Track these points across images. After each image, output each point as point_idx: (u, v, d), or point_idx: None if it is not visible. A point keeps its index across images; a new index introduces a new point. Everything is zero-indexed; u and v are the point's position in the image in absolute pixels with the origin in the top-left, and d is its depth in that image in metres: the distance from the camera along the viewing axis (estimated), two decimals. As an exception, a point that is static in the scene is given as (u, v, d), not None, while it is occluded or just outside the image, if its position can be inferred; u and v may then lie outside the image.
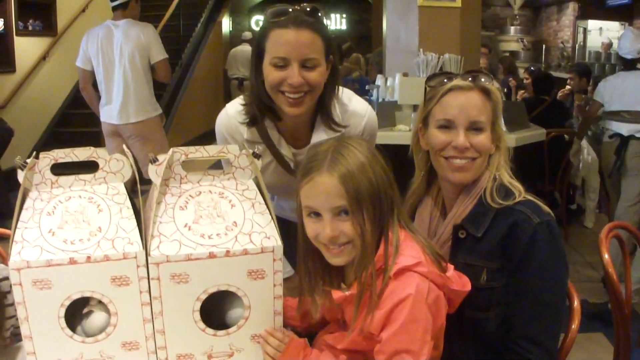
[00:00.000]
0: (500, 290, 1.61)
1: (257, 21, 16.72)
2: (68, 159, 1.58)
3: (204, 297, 1.51)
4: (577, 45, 13.60)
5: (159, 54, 5.01)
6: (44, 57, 8.88)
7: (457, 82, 1.67)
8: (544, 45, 14.08)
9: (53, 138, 8.76)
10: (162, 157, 1.58)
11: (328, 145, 1.55)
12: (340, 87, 1.99)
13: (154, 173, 1.58)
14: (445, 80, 1.70)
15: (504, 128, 1.77)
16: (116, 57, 4.89)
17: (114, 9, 5.00)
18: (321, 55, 1.82)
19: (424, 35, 5.26)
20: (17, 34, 8.35)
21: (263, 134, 1.96)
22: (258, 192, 1.65)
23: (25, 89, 8.42)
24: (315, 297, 1.63)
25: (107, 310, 1.51)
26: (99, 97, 5.11)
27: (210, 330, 1.55)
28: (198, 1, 11.99)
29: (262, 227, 1.56)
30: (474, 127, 1.65)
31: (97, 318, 1.53)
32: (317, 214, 1.51)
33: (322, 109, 1.95)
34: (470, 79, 1.67)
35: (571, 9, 14.32)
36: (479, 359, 1.68)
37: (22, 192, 1.54)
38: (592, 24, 14.13)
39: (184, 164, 1.64)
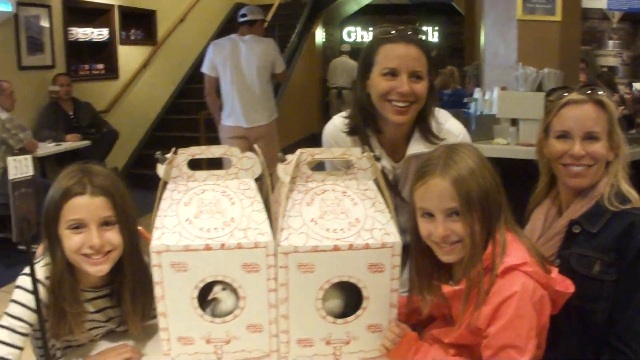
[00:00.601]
0: (610, 284, 1.68)
1: (349, 32, 16.93)
2: (204, 155, 1.74)
3: (326, 286, 1.62)
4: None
5: (281, 66, 5.72)
6: (144, 65, 9.26)
7: (572, 96, 1.79)
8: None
9: (152, 142, 9.10)
10: (290, 157, 1.71)
11: (440, 151, 1.66)
12: (437, 108, 2.14)
13: (283, 171, 1.71)
14: (563, 95, 1.81)
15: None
16: (244, 68, 5.48)
17: (241, 24, 5.64)
18: (425, 69, 1.99)
19: (522, 49, 5.20)
20: (120, 43, 8.77)
21: (365, 144, 2.08)
22: (378, 192, 1.75)
23: (127, 95, 8.81)
24: (425, 293, 1.72)
25: (235, 295, 1.64)
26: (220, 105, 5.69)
27: (330, 318, 1.66)
28: (292, 13, 12.21)
29: (383, 224, 1.66)
30: (589, 137, 1.75)
31: (226, 302, 1.66)
32: (430, 215, 1.61)
33: (421, 121, 2.08)
34: (586, 92, 1.78)
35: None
36: (581, 350, 1.74)
37: (162, 184, 1.69)
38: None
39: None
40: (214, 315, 1.66)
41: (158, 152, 1.70)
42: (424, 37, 2.06)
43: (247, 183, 1.75)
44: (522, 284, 1.51)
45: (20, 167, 1.42)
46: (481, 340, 1.56)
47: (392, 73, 1.96)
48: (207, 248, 1.57)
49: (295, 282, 1.61)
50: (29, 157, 1.45)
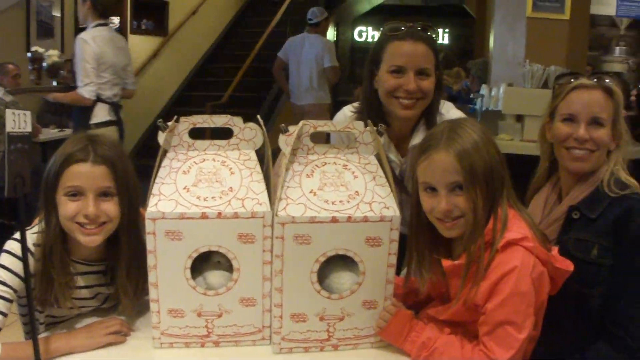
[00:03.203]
0: (607, 269, 1.69)
1: (360, 32, 16.91)
2: (206, 125, 1.71)
3: (322, 259, 1.59)
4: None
5: (329, 61, 6.71)
6: (154, 56, 9.25)
7: (582, 81, 1.80)
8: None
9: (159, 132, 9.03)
10: (292, 128, 1.68)
11: (444, 126, 1.64)
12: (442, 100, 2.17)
13: (284, 143, 1.68)
14: (572, 80, 1.82)
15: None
16: (303, 60, 6.75)
17: (310, 26, 6.91)
18: (432, 66, 2.02)
19: (530, 46, 5.23)
20: (131, 32, 8.77)
21: None
22: (379, 167, 1.73)
23: (137, 83, 8.77)
24: (423, 270, 1.69)
25: (229, 267, 1.61)
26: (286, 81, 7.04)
27: (325, 293, 1.63)
28: (306, 9, 12.19)
29: (382, 198, 1.63)
30: (595, 122, 1.77)
31: (219, 272, 1.64)
32: (433, 189, 1.59)
33: (427, 116, 2.10)
34: (595, 79, 1.79)
35: (681, 29, 13.83)
36: (577, 335, 1.73)
37: (162, 152, 1.67)
38: None
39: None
40: (207, 284, 1.64)
41: (160, 120, 1.68)
42: (433, 35, 2.06)
43: (247, 154, 1.73)
44: (521, 259, 1.49)
45: (19, 122, 1.39)
46: (478, 317, 1.54)
47: (399, 70, 2.00)
48: (204, 216, 1.55)
49: (291, 254, 1.58)
50: (28, 112, 1.42)
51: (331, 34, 13.76)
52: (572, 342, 1.72)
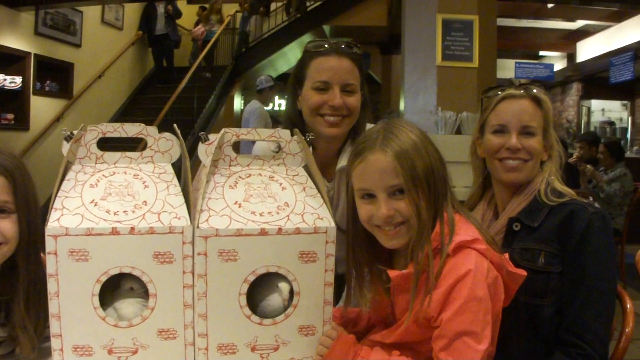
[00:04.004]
0: (556, 277, 1.62)
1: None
2: (116, 134, 1.53)
3: (251, 278, 1.41)
4: (582, 124, 13.84)
5: (251, 125, 7.07)
6: (57, 119, 8.94)
7: (510, 91, 1.78)
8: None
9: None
10: (213, 137, 1.52)
11: (378, 127, 1.51)
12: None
13: (204, 152, 1.53)
14: (499, 92, 1.81)
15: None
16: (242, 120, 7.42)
17: (256, 92, 7.50)
18: (358, 83, 1.93)
19: (442, 94, 5.30)
20: (33, 93, 8.45)
21: None
22: (309, 178, 1.58)
23: (37, 149, 8.45)
24: (364, 289, 1.55)
25: (145, 294, 1.41)
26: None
27: (255, 318, 1.44)
28: (213, 75, 12.15)
29: (315, 209, 1.49)
30: (525, 132, 1.74)
31: (133, 300, 1.43)
32: (371, 195, 1.45)
33: (354, 136, 1.99)
34: (524, 88, 1.77)
35: (575, 90, 14.58)
36: (530, 348, 1.64)
37: (64, 165, 1.48)
38: (595, 105, 14.43)
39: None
40: (118, 314, 1.42)
41: (64, 128, 1.50)
42: (358, 52, 1.97)
43: (163, 167, 1.55)
44: (475, 262, 1.36)
45: None
46: (430, 334, 1.38)
47: (324, 86, 1.90)
48: (114, 232, 1.34)
49: (215, 273, 1.39)
50: None
51: (237, 102, 13.72)
52: (527, 358, 1.62)
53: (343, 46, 1.93)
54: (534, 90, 1.77)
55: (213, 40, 11.89)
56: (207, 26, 12.20)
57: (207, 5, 12.82)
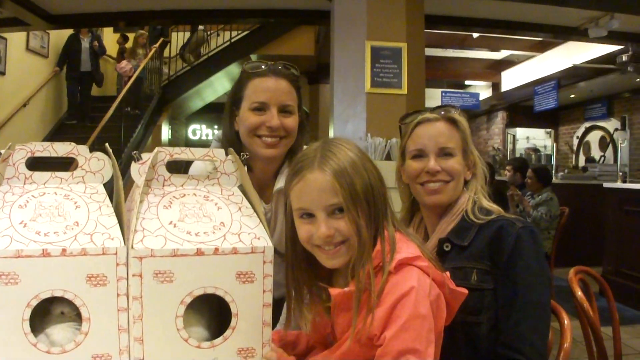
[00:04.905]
0: (490, 293, 1.63)
1: (194, 130, 16.88)
2: (46, 153, 1.48)
3: (188, 300, 1.38)
4: (508, 151, 14.19)
5: None
6: (-21, 149, 8.65)
7: (425, 115, 1.81)
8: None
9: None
10: (146, 156, 1.50)
11: (316, 145, 1.50)
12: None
13: (137, 172, 1.49)
14: (416, 117, 1.81)
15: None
16: None
17: None
18: (295, 104, 1.94)
19: (371, 121, 5.33)
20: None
21: None
22: (244, 198, 1.57)
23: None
24: (304, 310, 1.53)
25: (77, 317, 1.36)
26: None
27: (193, 341, 1.41)
28: (139, 105, 11.97)
29: (251, 228, 1.47)
30: (443, 153, 1.78)
31: (65, 324, 1.38)
32: (310, 215, 1.44)
33: (292, 157, 1.99)
34: (438, 111, 1.80)
35: (500, 118, 14.97)
36: None
37: (-10, 185, 1.42)
38: (520, 132, 14.83)
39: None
40: (50, 340, 1.36)
41: None
42: (295, 73, 1.98)
43: (94, 187, 1.50)
44: (417, 279, 1.36)
45: None
46: (371, 354, 1.37)
47: (261, 107, 1.90)
48: (45, 254, 1.29)
49: (151, 295, 1.35)
50: None
51: (165, 132, 13.55)
52: None
53: (280, 67, 1.93)
54: (449, 112, 1.80)
55: (135, 75, 11.35)
56: (135, 62, 11.86)
57: (128, 35, 12.58)
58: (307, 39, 11.00)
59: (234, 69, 11.50)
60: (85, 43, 10.99)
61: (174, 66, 13.03)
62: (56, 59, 11.15)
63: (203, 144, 14.73)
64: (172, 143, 14.69)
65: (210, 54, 12.32)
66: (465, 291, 1.50)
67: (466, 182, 1.82)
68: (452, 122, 1.79)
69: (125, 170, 9.96)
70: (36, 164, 1.50)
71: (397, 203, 1.98)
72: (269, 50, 10.87)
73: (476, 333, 1.62)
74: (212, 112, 15.44)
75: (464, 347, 1.63)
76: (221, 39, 12.18)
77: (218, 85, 12.86)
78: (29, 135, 10.10)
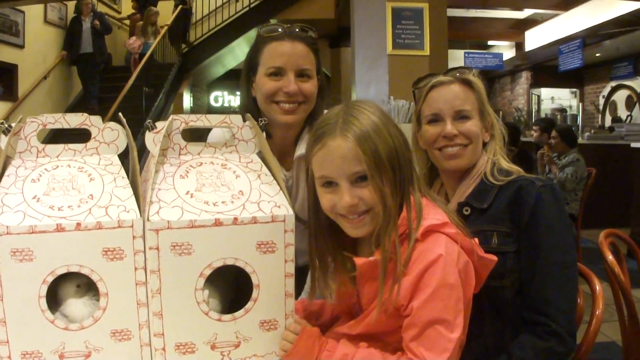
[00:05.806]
0: (512, 256, 1.59)
1: (216, 97, 16.81)
2: (58, 125, 1.44)
3: (207, 272, 1.34)
4: (533, 112, 14.00)
5: None
6: (1, 122, 8.67)
7: (439, 78, 1.76)
8: (500, 112, 14.39)
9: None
10: (160, 125, 1.45)
11: (337, 110, 1.43)
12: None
13: (151, 141, 1.44)
14: (429, 80, 1.78)
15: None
16: None
17: None
18: (314, 68, 1.87)
19: (394, 83, 5.24)
20: (-24, 97, 8.21)
21: None
22: (263, 165, 1.51)
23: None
24: (329, 280, 1.48)
25: (95, 292, 1.33)
26: None
27: (214, 314, 1.37)
28: (160, 73, 11.90)
29: (271, 197, 1.42)
30: (460, 116, 1.72)
31: (82, 300, 1.35)
32: (333, 183, 1.38)
33: (312, 123, 1.91)
34: (452, 73, 1.75)
35: (524, 78, 14.75)
36: (497, 334, 1.61)
37: (4, 160, 1.38)
38: (545, 93, 14.60)
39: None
40: (67, 316, 1.33)
41: (2, 121, 1.40)
42: (313, 36, 1.90)
43: (109, 159, 1.46)
44: (445, 247, 1.31)
45: None
46: (399, 324, 1.33)
47: (278, 72, 1.83)
48: (59, 229, 1.25)
49: (169, 268, 1.31)
50: None
51: (187, 100, 13.50)
52: (493, 342, 1.58)
53: (297, 30, 1.86)
54: (463, 74, 1.75)
55: (148, 53, 10.98)
56: (144, 39, 11.60)
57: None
58: (327, 2, 10.84)
59: (253, 34, 11.36)
60: (86, 24, 10.42)
61: (193, 33, 12.94)
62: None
63: (225, 111, 14.71)
64: (194, 110, 14.67)
65: (229, 20, 12.22)
66: (495, 258, 1.44)
67: (484, 144, 1.77)
68: (467, 83, 1.73)
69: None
70: (55, 138, 1.46)
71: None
72: (289, 15, 10.74)
73: (501, 298, 1.58)
74: (233, 78, 15.36)
75: (489, 313, 1.59)
76: (240, 4, 12.05)
77: (238, 51, 12.76)
78: (50, 108, 10.12)
